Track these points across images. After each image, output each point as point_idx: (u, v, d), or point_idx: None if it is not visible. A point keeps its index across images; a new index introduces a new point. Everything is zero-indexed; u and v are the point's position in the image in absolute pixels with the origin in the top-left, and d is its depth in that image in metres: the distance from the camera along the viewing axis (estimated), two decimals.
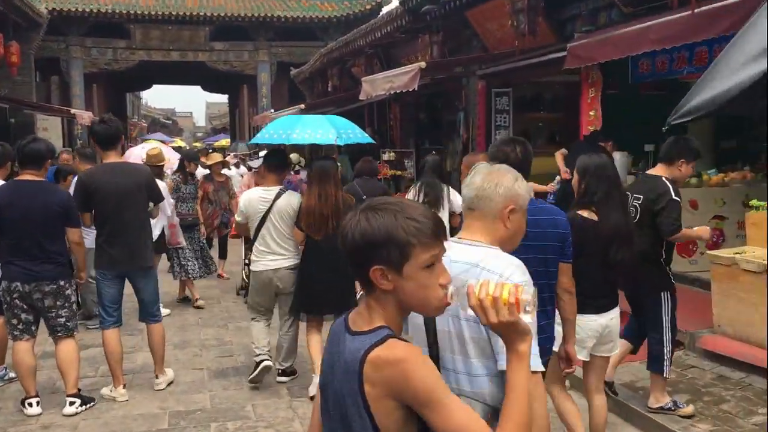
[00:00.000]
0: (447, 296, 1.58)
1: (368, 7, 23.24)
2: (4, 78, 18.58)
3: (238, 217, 5.31)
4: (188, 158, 8.62)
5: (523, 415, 1.56)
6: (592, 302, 3.58)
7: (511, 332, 1.58)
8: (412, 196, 6.22)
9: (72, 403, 4.81)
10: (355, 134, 6.32)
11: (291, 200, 5.12)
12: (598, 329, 3.68)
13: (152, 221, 5.53)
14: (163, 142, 44.16)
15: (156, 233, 7.00)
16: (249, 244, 5.59)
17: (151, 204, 5.04)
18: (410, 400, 1.50)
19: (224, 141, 44.43)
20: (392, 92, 8.90)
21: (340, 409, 1.59)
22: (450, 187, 6.33)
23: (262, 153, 8.55)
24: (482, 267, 2.10)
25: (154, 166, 7.44)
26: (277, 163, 5.31)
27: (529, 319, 1.57)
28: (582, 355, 3.68)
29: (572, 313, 3.30)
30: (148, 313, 5.18)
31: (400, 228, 1.52)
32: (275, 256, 5.10)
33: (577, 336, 3.44)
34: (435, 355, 2.09)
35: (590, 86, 7.99)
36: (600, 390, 3.84)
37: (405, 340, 1.58)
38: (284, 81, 23.94)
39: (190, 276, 7.79)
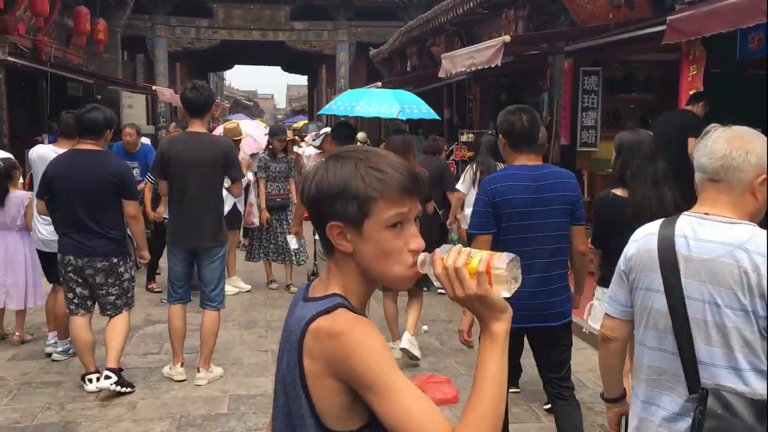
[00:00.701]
0: (417, 265, 1.33)
1: None
2: (92, 55, 19.02)
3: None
4: (272, 134, 7.98)
5: (490, 409, 1.25)
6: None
7: (481, 308, 1.29)
8: (470, 175, 6.49)
9: (108, 378, 4.55)
10: (419, 110, 5.95)
11: None
12: None
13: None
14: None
15: (226, 209, 7.05)
16: None
17: (228, 181, 4.80)
18: (352, 381, 1.27)
19: (302, 122, 44.87)
20: (473, 69, 8.45)
21: (284, 387, 1.39)
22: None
23: (323, 131, 8.35)
24: (750, 249, 1.88)
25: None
26: (343, 134, 5.50)
27: (506, 293, 1.30)
28: None
29: (583, 269, 3.40)
30: (206, 296, 4.88)
31: (359, 178, 1.31)
32: None
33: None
34: (683, 345, 1.93)
35: (691, 63, 7.30)
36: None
37: (360, 313, 1.35)
38: (363, 61, 23.67)
39: (268, 258, 7.62)
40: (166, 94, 17.23)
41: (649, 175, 3.52)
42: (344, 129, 5.55)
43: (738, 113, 7.63)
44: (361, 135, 16.56)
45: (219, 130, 11.29)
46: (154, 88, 17.54)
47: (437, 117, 6.62)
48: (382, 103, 5.63)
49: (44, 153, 5.05)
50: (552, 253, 3.20)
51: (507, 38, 7.57)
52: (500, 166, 6.43)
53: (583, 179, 9.94)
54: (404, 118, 5.93)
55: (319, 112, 7.84)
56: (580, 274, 3.52)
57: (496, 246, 3.09)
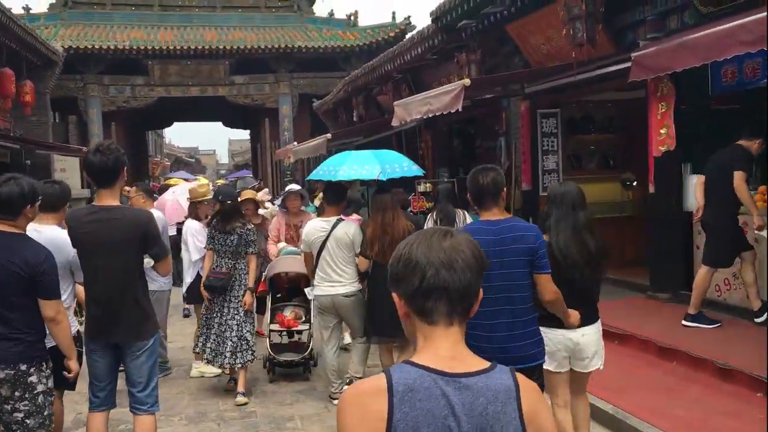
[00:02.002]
0: None
1: (392, 34, 22.46)
2: (19, 118, 17.96)
3: (302, 247, 5.75)
4: (219, 196, 6.10)
5: None
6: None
7: None
8: (431, 223, 6.73)
9: None
10: (401, 167, 6.03)
11: (348, 229, 5.44)
12: (568, 344, 3.76)
13: (163, 275, 4.72)
14: (185, 180, 43.80)
15: (188, 278, 6.78)
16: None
17: (148, 260, 3.96)
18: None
19: (247, 177, 44.01)
20: (430, 115, 7.92)
21: None
22: (465, 212, 6.76)
23: (290, 187, 7.55)
24: None
25: (198, 202, 7.09)
26: (334, 196, 5.63)
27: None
28: (551, 366, 3.75)
29: (558, 311, 3.57)
30: (135, 398, 3.95)
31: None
32: (333, 282, 5.42)
33: (546, 348, 3.56)
34: None
35: (660, 100, 6.95)
36: (579, 399, 3.97)
37: None
38: (306, 113, 23.20)
39: (204, 355, 6.59)
40: None
41: (570, 223, 3.77)
42: (334, 191, 5.68)
43: (705, 147, 7.39)
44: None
45: (177, 191, 10.47)
46: (85, 150, 16.49)
47: (420, 173, 6.51)
48: (364, 165, 5.84)
49: None
50: (514, 301, 3.36)
51: (467, 81, 7.11)
52: (459, 212, 6.80)
53: None
54: (385, 179, 5.85)
55: (307, 178, 7.07)
56: (559, 315, 3.67)
57: None
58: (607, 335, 6.11)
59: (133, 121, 25.37)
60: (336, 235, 5.40)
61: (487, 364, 1.49)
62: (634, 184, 9.94)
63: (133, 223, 3.75)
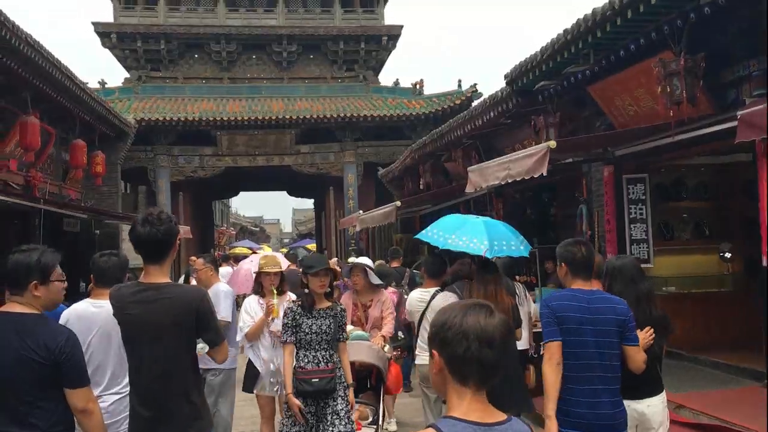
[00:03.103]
0: None
1: (458, 102, 22.21)
2: (90, 188, 18.28)
3: (408, 317, 6.03)
4: (306, 268, 4.93)
5: None
6: (626, 387, 3.67)
7: None
8: None
9: None
10: (509, 246, 5.54)
11: (447, 299, 5.35)
12: (634, 414, 3.77)
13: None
14: (251, 249, 44.15)
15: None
16: None
17: (201, 344, 3.38)
18: None
19: (310, 245, 44.02)
20: (509, 181, 7.34)
21: None
22: (524, 286, 6.55)
23: (355, 260, 7.00)
24: None
25: (267, 274, 5.49)
26: (434, 269, 5.92)
27: None
28: None
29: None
30: None
31: None
32: None
33: None
34: None
35: None
36: None
37: None
38: (371, 182, 22.95)
39: None
40: None
41: (632, 294, 3.90)
42: (434, 263, 5.93)
43: None
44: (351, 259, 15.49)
45: (246, 264, 9.80)
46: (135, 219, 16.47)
47: (526, 253, 5.87)
48: (473, 237, 5.51)
49: None
50: (606, 368, 3.54)
51: (552, 143, 6.52)
52: (520, 285, 6.34)
53: None
54: (491, 257, 5.48)
55: (415, 236, 6.27)
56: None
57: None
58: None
59: (200, 190, 25.65)
60: (434, 306, 5.51)
61: (505, 416, 1.78)
62: (729, 255, 9.07)
63: (185, 303, 3.21)
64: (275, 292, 5.39)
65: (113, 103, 20.79)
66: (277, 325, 5.21)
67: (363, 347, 5.49)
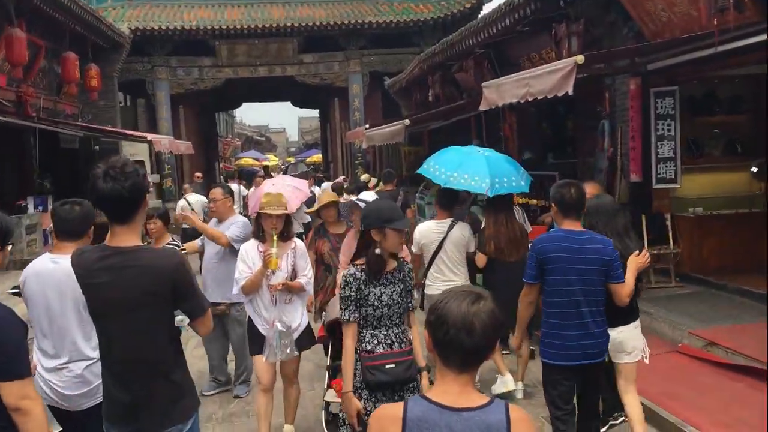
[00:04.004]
0: None
1: (467, 5, 21.03)
2: (87, 103, 17.57)
3: (414, 249, 5.70)
4: (372, 217, 3.78)
5: None
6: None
7: None
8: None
9: None
10: (509, 183, 5.66)
11: (464, 231, 5.69)
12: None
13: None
14: (256, 159, 43.53)
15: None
16: None
17: (180, 315, 2.86)
18: None
19: (316, 157, 43.29)
20: (529, 99, 6.71)
21: None
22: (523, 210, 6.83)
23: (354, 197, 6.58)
24: None
25: (268, 216, 4.60)
26: (447, 201, 5.77)
27: None
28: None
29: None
30: None
31: None
32: (449, 282, 5.43)
33: None
34: None
35: None
36: (629, 390, 4.28)
37: None
38: (377, 92, 22.09)
39: None
40: (164, 143, 15.57)
41: (613, 230, 4.16)
42: (447, 197, 5.76)
43: None
44: (365, 177, 14.98)
45: (282, 182, 9.11)
46: (149, 137, 15.89)
47: (527, 189, 6.05)
48: (474, 175, 5.62)
49: None
50: (591, 304, 3.81)
51: (579, 58, 5.85)
52: (518, 209, 6.49)
53: (666, 223, 8.12)
54: (492, 195, 5.63)
55: (417, 171, 6.49)
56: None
57: (544, 295, 3.98)
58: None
59: (201, 102, 24.83)
60: (452, 237, 5.59)
61: (486, 399, 1.82)
62: (761, 172, 8.49)
63: (158, 271, 2.70)
64: (276, 238, 4.49)
65: (105, 12, 19.79)
66: (277, 278, 4.56)
67: None
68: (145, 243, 6.20)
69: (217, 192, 6.02)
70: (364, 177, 14.91)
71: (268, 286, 4.61)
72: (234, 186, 14.37)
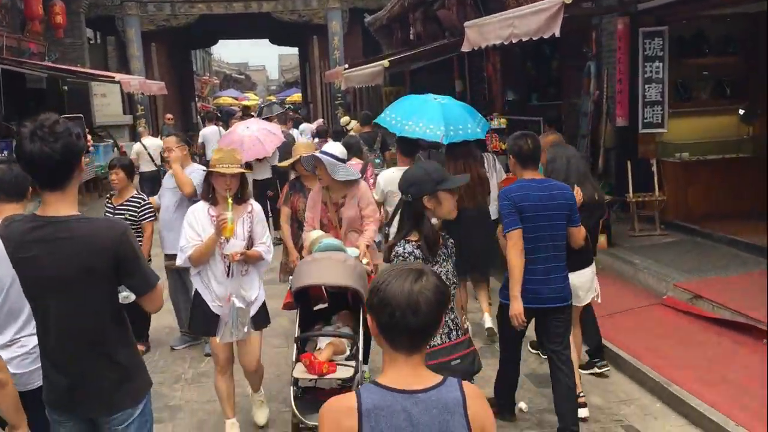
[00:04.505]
0: None
1: None
2: (53, 41, 16.82)
3: (376, 196, 5.39)
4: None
5: None
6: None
7: None
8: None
9: None
10: (465, 130, 5.70)
11: None
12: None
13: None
14: (236, 99, 42.54)
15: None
16: None
17: (125, 292, 2.60)
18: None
19: (297, 96, 42.38)
20: (513, 41, 6.35)
21: None
22: (494, 156, 6.54)
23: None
24: None
25: (221, 175, 3.98)
26: (408, 148, 5.64)
27: None
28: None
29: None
30: None
31: None
32: None
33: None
34: None
35: None
36: (574, 324, 4.48)
37: None
38: (358, 30, 21.39)
39: None
40: (134, 83, 14.98)
41: (573, 177, 4.38)
42: (408, 143, 5.67)
43: None
44: (344, 120, 14.53)
45: (257, 125, 8.72)
46: (117, 77, 15.27)
47: (482, 136, 6.11)
48: (429, 123, 5.64)
49: None
50: (558, 248, 3.98)
51: None
52: (489, 156, 6.34)
53: (652, 169, 7.90)
54: (446, 143, 5.66)
55: (375, 121, 6.89)
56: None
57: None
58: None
59: (175, 40, 23.94)
60: None
61: (439, 378, 1.76)
62: (749, 115, 8.25)
63: (96, 244, 2.40)
64: (230, 201, 3.89)
65: None
66: (233, 247, 3.96)
67: (336, 265, 4.06)
68: (108, 195, 5.95)
69: (171, 140, 5.64)
70: (343, 120, 14.45)
71: (221, 256, 4.00)
72: (212, 128, 13.93)
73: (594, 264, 4.50)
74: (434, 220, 3.09)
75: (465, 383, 1.78)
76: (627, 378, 4.92)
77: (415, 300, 1.67)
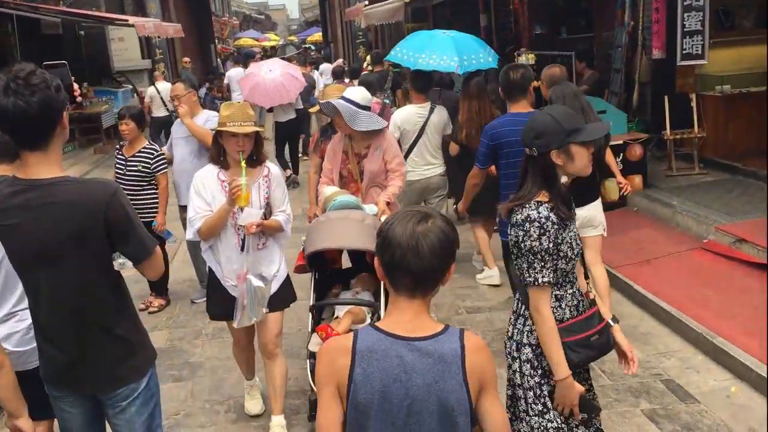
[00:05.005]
0: None
1: None
2: None
3: (392, 131, 5.24)
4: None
5: None
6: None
7: None
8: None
9: None
10: (477, 59, 5.86)
11: (442, 115, 5.74)
12: (579, 217, 3.67)
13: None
14: (256, 39, 41.86)
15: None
16: None
17: (121, 258, 2.39)
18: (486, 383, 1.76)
19: (317, 35, 41.53)
20: None
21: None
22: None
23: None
24: None
25: (233, 135, 3.44)
26: (423, 84, 5.72)
27: None
28: None
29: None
30: None
31: None
32: (429, 165, 5.65)
33: None
34: None
35: None
36: (597, 261, 4.26)
37: None
38: None
39: None
40: (149, 26, 14.60)
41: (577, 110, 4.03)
42: (422, 79, 5.74)
43: None
44: (367, 59, 14.05)
45: (280, 66, 8.66)
46: (131, 20, 14.87)
47: (494, 64, 6.14)
48: (442, 55, 5.73)
49: None
50: None
51: None
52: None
53: (690, 104, 7.47)
54: (462, 72, 5.89)
55: (386, 58, 7.27)
56: None
57: (500, 179, 4.15)
58: None
59: None
60: (433, 120, 5.62)
61: (440, 327, 1.74)
62: None
63: (85, 209, 2.18)
64: (244, 164, 3.37)
65: None
66: (249, 217, 3.39)
67: (353, 225, 3.70)
68: (118, 146, 5.72)
69: (178, 88, 5.39)
70: (367, 60, 14.04)
71: (235, 228, 3.49)
72: (238, 70, 13.56)
73: (600, 200, 4.43)
74: (564, 178, 2.57)
75: (467, 334, 1.75)
76: (667, 329, 4.67)
77: (416, 241, 1.66)
